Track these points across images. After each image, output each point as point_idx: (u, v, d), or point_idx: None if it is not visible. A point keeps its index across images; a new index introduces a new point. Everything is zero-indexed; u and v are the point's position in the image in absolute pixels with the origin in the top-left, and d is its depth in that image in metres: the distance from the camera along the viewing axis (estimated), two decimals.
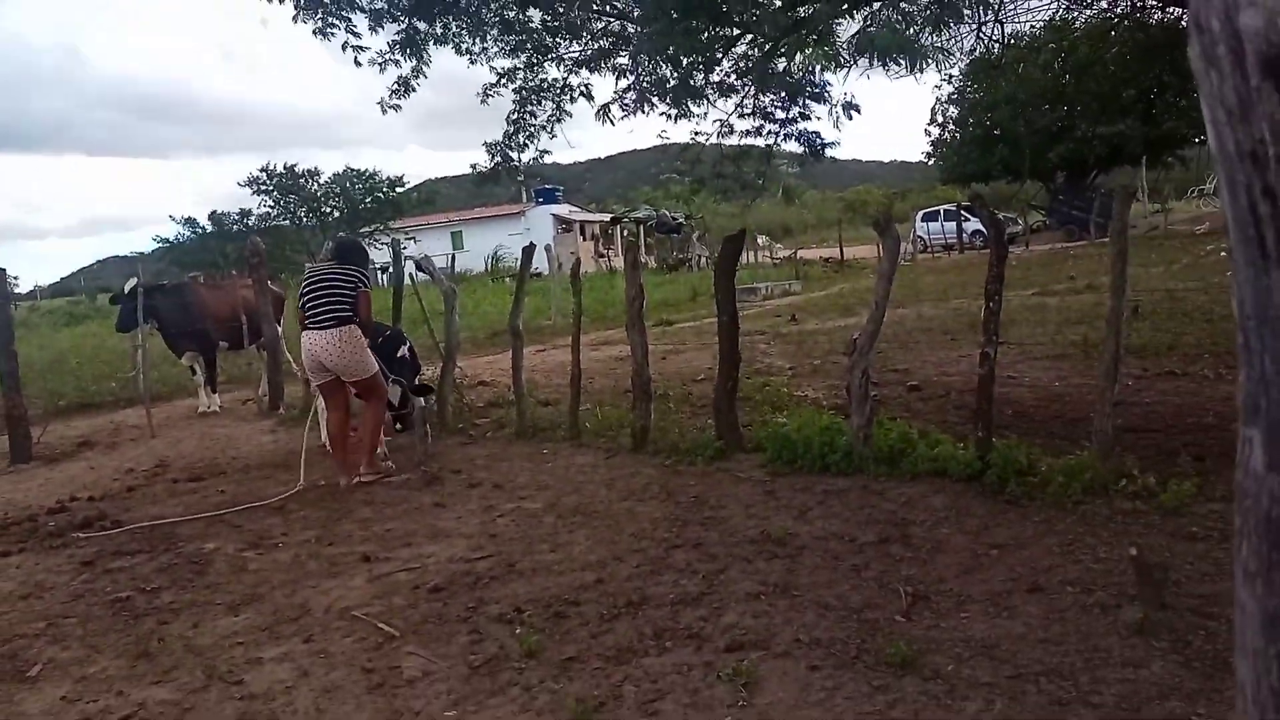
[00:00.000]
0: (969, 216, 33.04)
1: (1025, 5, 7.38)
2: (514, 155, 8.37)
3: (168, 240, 41.07)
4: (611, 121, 7.85)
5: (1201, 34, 0.91)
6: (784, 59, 6.87)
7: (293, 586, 4.57)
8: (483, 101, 7.93)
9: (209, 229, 40.53)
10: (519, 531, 5.14)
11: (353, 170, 41.57)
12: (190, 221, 40.97)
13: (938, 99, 35.59)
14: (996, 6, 7.30)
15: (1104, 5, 8.24)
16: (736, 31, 6.36)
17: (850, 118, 7.10)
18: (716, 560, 4.34)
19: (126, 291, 10.47)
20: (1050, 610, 3.54)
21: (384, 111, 7.89)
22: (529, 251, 8.36)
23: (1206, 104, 0.93)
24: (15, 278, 63.30)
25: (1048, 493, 4.80)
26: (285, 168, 40.48)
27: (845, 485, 5.39)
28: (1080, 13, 8.64)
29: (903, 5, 5.83)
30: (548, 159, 8.71)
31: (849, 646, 3.36)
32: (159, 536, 5.69)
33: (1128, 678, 2.97)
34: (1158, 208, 33.48)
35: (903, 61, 5.52)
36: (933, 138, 40.60)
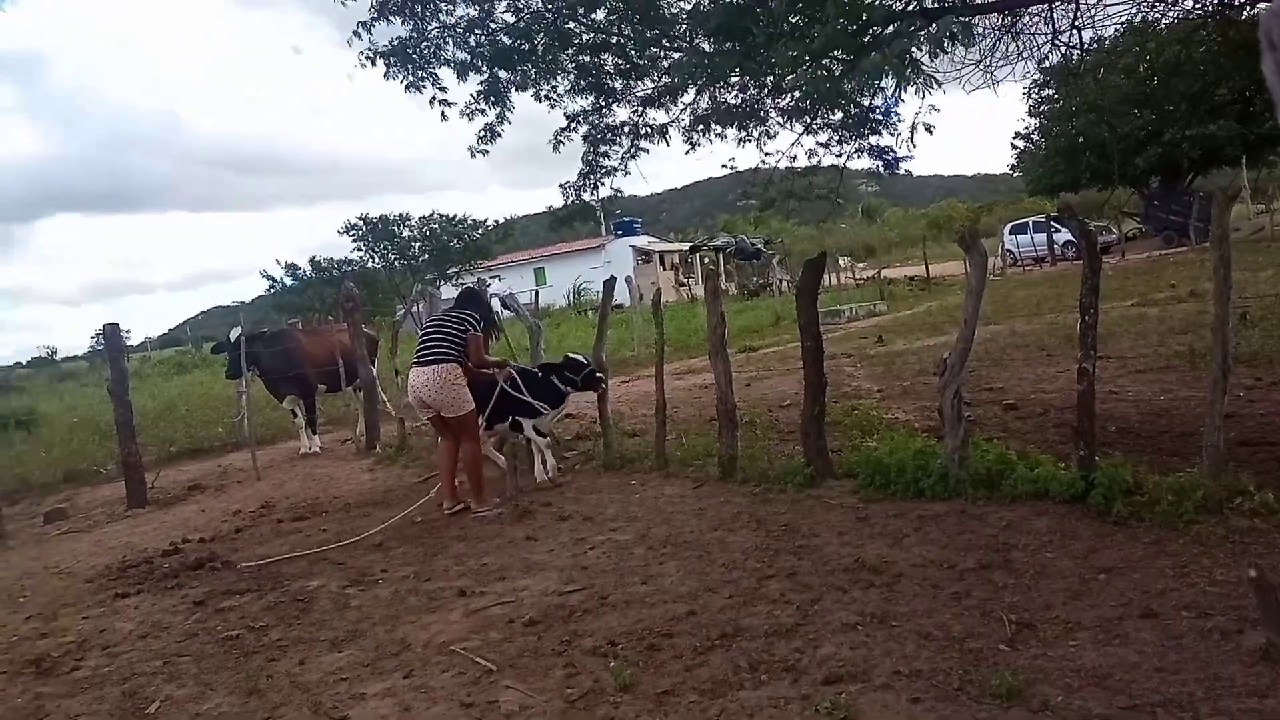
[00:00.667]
0: (1059, 227, 32.06)
1: (1102, 10, 7.16)
2: (588, 197, 8.50)
3: (272, 280, 42.89)
4: (693, 146, 7.90)
5: (1274, 50, 0.89)
6: (854, 80, 6.83)
7: (393, 622, 4.68)
8: (554, 149, 8.12)
9: (309, 274, 42.24)
10: (610, 563, 5.16)
11: (440, 215, 42.89)
12: (291, 267, 42.85)
13: (1030, 108, 34.73)
14: (1073, 14, 7.14)
15: (1189, 4, 7.96)
16: (806, 55, 6.36)
17: (929, 133, 7.00)
18: (811, 590, 4.28)
19: (232, 340, 10.96)
20: (1165, 637, 3.37)
21: (473, 156, 8.16)
22: (610, 285, 8.45)
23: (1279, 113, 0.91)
24: (127, 331, 66.94)
25: (1157, 512, 4.59)
26: (380, 217, 42.10)
27: (942, 510, 5.26)
28: (1163, 14, 8.36)
29: (969, 21, 5.74)
30: (624, 192, 8.83)
31: (951, 678, 3.25)
32: (266, 575, 5.91)
33: (1252, 708, 2.80)
34: (1263, 208, 31.88)
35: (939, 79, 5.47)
36: (1019, 149, 39.68)
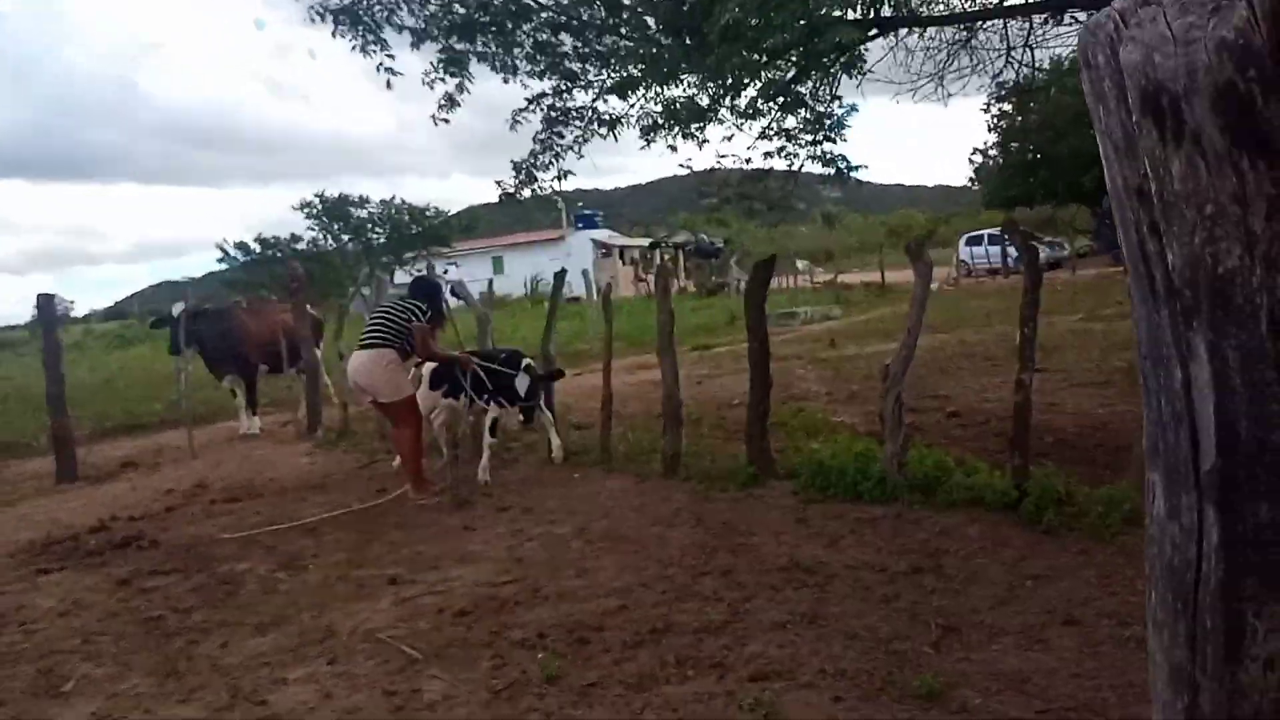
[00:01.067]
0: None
1: (1054, 30, 7.26)
2: (539, 175, 8.42)
3: (225, 254, 41.95)
4: (648, 142, 7.87)
5: (1089, 69, 0.89)
6: (809, 83, 6.86)
7: (320, 608, 4.59)
8: (512, 127, 8.02)
9: (257, 252, 41.34)
10: (546, 556, 5.13)
11: (402, 201, 42.25)
12: (242, 246, 41.90)
13: (988, 123, 35.28)
14: (1027, 32, 7.24)
15: None
16: (764, 58, 6.36)
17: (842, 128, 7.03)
18: (744, 588, 4.28)
19: (174, 315, 10.69)
20: (1085, 644, 3.44)
21: (435, 124, 8.00)
22: (560, 276, 8.40)
23: (1099, 139, 0.90)
24: (71, 302, 65.06)
25: (1085, 523, 4.68)
26: (339, 196, 41.22)
27: (879, 513, 5.30)
28: None
29: (927, 31, 5.80)
30: (579, 183, 8.80)
31: (875, 678, 3.28)
32: (194, 556, 5.77)
33: None
34: None
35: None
36: (976, 164, 40.32)
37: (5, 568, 5.92)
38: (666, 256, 38.81)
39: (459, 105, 7.82)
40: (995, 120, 34.73)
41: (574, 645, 3.80)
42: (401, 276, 39.21)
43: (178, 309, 10.70)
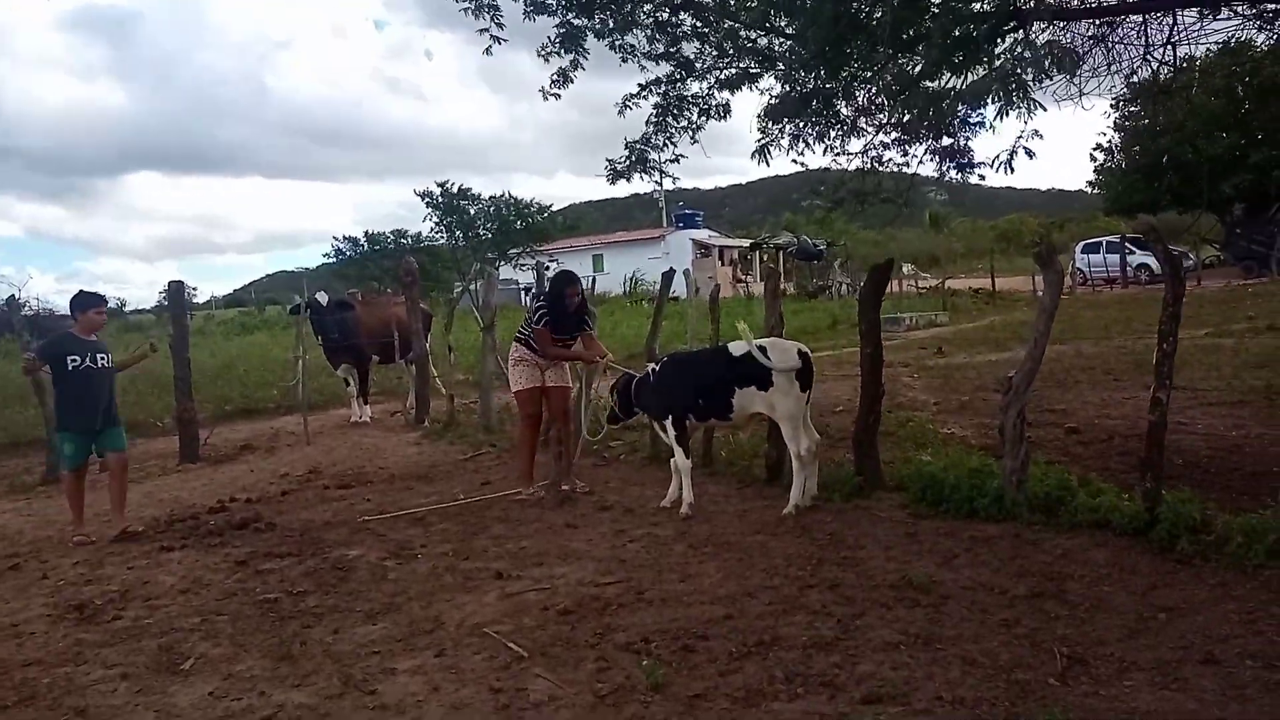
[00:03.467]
0: (1133, 249, 31.08)
1: (1199, 28, 6.79)
2: (651, 155, 8.33)
3: (339, 249, 43.49)
4: (765, 141, 7.72)
5: None
6: (954, 102, 6.61)
7: (428, 599, 4.66)
8: (620, 112, 7.93)
9: (366, 247, 42.75)
10: (649, 558, 5.09)
11: (511, 196, 42.99)
12: (351, 240, 43.39)
13: (1115, 122, 33.62)
14: (1170, 28, 6.81)
15: None
16: (891, 51, 6.14)
17: (1029, 157, 6.67)
18: (853, 604, 4.16)
19: (322, 303, 11.10)
20: (1227, 686, 3.20)
21: (545, 99, 7.96)
22: (668, 276, 8.36)
23: None
24: (194, 289, 68.40)
25: (1225, 553, 4.38)
26: (457, 188, 42.15)
27: (995, 532, 5.09)
28: (1262, 31, 7.91)
29: (1070, 46, 5.51)
30: (680, 183, 8.69)
31: (996, 708, 3.12)
32: (308, 540, 5.95)
33: None
34: None
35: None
36: (1097, 163, 38.55)
37: (133, 543, 6.22)
38: (768, 258, 38.41)
39: (572, 81, 7.77)
40: (1121, 120, 33.06)
41: (679, 653, 3.74)
42: (507, 272, 39.93)
43: (322, 298, 11.13)
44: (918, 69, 6.68)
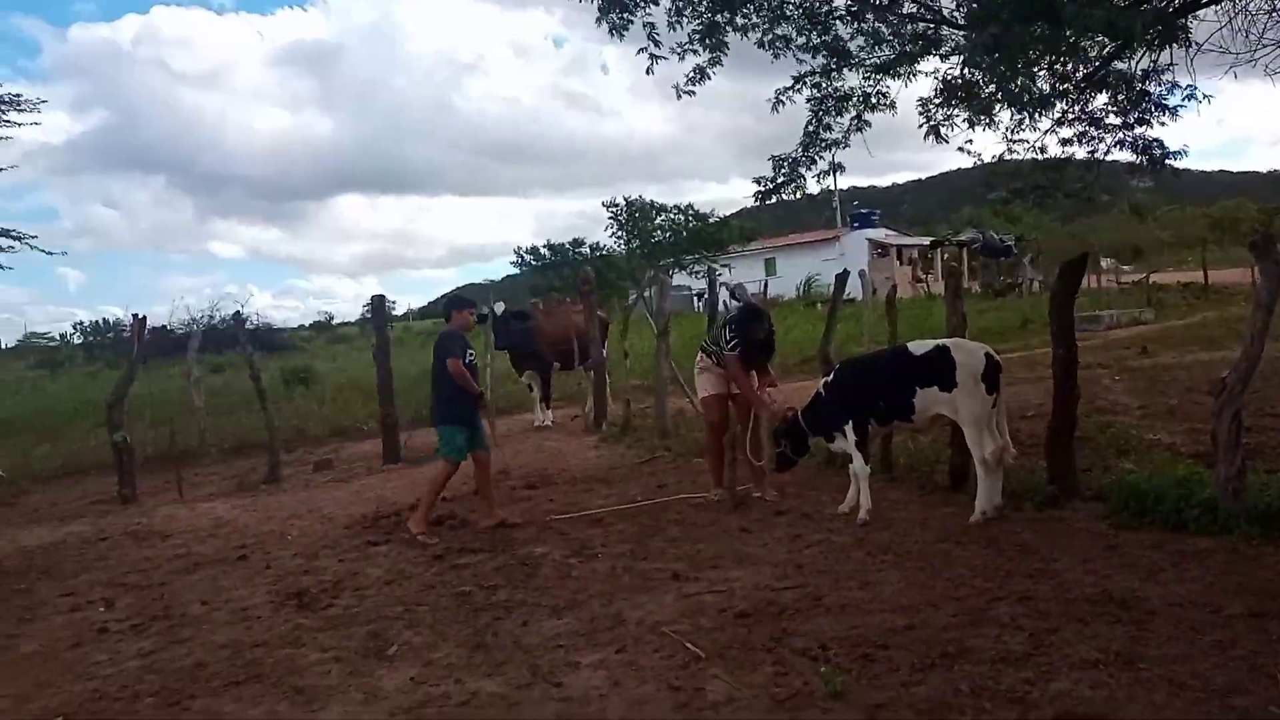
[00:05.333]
0: None
1: None
2: (803, 171, 8.14)
3: (521, 259, 45.60)
4: (943, 139, 7.45)
5: None
6: (1128, 61, 6.17)
7: (609, 596, 4.82)
8: (774, 109, 7.78)
9: (548, 258, 44.46)
10: (826, 564, 5.04)
11: (691, 208, 43.74)
12: (533, 251, 45.30)
13: None
14: None
15: None
16: (1073, 35, 5.79)
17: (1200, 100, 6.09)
18: (1047, 618, 3.96)
19: (499, 314, 11.67)
20: None
21: (678, 97, 7.92)
22: (842, 278, 8.23)
23: None
24: (393, 302, 73.10)
25: None
26: (639, 199, 43.38)
27: (1207, 546, 4.70)
28: None
29: None
30: (854, 180, 8.52)
31: None
32: (498, 537, 6.28)
33: None
34: None
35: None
36: None
37: (343, 538, 6.77)
38: (948, 256, 36.87)
39: (709, 78, 7.69)
40: None
41: (859, 661, 3.69)
42: (681, 279, 40.38)
43: (499, 308, 11.69)
44: (1106, 49, 6.26)
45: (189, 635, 4.84)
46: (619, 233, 43.60)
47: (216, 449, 12.14)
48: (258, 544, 6.80)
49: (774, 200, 8.90)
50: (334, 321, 59.54)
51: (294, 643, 4.59)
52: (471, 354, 6.87)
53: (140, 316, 11.31)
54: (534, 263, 45.23)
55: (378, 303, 11.34)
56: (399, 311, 67.40)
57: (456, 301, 7.25)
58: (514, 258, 46.34)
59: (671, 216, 42.98)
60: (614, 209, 43.14)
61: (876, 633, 3.96)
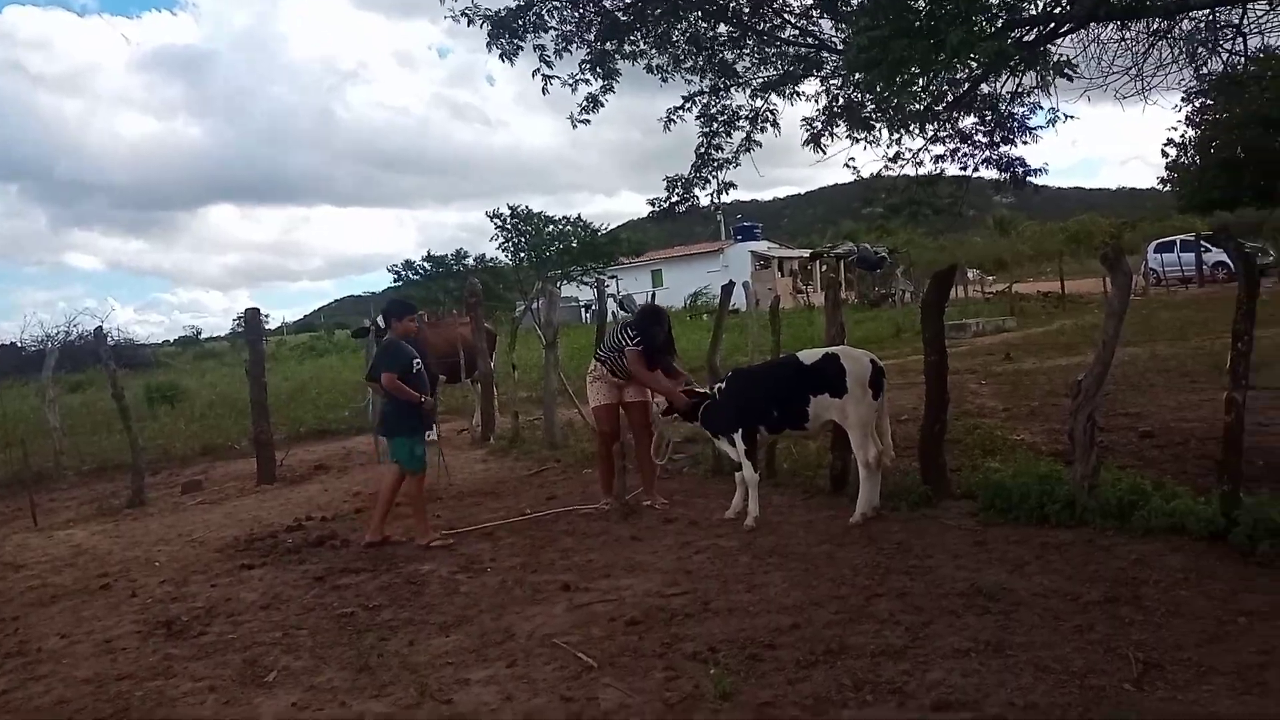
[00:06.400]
0: (1209, 247, 30.03)
1: (1272, 16, 6.61)
2: (697, 191, 8.34)
3: (399, 274, 44.65)
4: (816, 143, 7.71)
5: None
6: (994, 84, 6.57)
7: (499, 611, 4.77)
8: (665, 127, 7.97)
9: (429, 270, 43.76)
10: (714, 569, 5.13)
11: (580, 220, 43.74)
12: (408, 264, 44.54)
13: (1187, 117, 32.62)
14: (1239, 18, 6.65)
15: None
16: (943, 57, 6.12)
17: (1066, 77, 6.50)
18: (922, 612, 4.14)
19: (381, 327, 11.33)
20: None
21: (574, 126, 8.03)
22: (728, 289, 8.40)
23: None
24: (266, 315, 70.40)
25: None
26: (525, 209, 43.06)
27: (1067, 538, 5.01)
28: None
29: (1124, 25, 5.44)
30: (738, 194, 8.70)
31: (1069, 714, 3.09)
32: (381, 556, 6.12)
33: None
34: None
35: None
36: (1169, 159, 37.49)
37: (214, 561, 6.47)
38: (827, 268, 38.09)
39: (602, 106, 7.83)
40: (1196, 115, 32.09)
41: (747, 661, 3.77)
42: (568, 290, 40.40)
43: (382, 321, 11.35)
44: (975, 72, 6.64)
45: (47, 671, 4.53)
46: (506, 244, 43.31)
47: (74, 471, 11.40)
48: (122, 571, 6.43)
49: (673, 213, 9.05)
50: (202, 336, 56.93)
51: (164, 674, 4.35)
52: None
53: None
54: (411, 276, 44.43)
55: (251, 315, 10.92)
56: (272, 325, 65.01)
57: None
58: (390, 271, 45.49)
59: (562, 228, 43.04)
60: (499, 219, 42.83)
61: (763, 633, 4.05)
